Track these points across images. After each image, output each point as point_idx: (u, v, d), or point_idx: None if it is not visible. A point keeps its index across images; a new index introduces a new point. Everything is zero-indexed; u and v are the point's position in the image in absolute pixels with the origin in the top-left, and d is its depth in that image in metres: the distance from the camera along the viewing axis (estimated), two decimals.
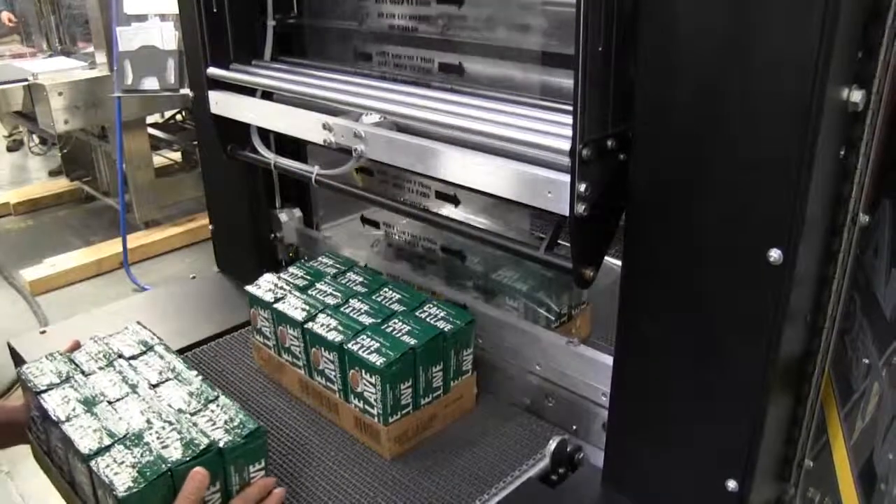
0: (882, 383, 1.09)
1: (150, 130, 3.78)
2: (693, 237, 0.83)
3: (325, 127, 1.15)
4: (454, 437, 1.17)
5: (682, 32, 0.77)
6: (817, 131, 0.71)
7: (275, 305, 1.25)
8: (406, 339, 1.11)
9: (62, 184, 4.45)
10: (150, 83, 3.06)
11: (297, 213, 1.63)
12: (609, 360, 1.01)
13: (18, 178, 4.97)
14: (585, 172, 0.83)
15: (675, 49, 0.78)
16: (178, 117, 4.08)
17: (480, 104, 1.02)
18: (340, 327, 1.16)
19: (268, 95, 1.32)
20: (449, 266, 1.46)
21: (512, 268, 1.36)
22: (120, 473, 0.90)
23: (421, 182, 1.40)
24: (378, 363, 1.07)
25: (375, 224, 1.52)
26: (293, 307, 1.23)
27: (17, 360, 1.44)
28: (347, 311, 1.21)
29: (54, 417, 1.01)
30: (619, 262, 0.92)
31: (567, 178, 0.84)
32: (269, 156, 1.36)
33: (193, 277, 1.73)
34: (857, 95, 0.75)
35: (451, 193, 1.36)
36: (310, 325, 1.18)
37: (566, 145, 0.83)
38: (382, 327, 1.15)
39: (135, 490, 0.88)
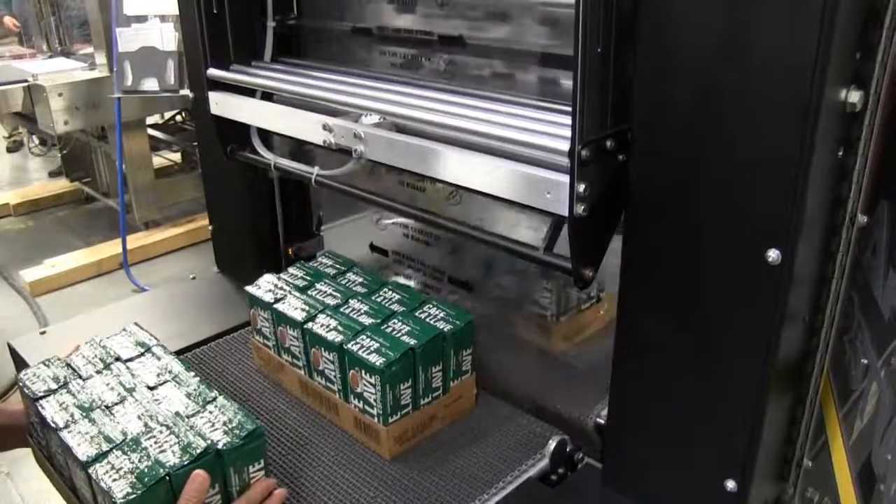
0: (880, 383, 1.09)
1: (150, 131, 3.78)
2: (692, 237, 0.84)
3: (325, 128, 1.15)
4: (453, 437, 1.17)
5: (680, 32, 0.77)
6: (816, 131, 0.71)
7: (275, 306, 1.25)
8: (406, 339, 1.12)
9: (62, 184, 4.46)
10: (150, 84, 3.06)
11: None
12: None
13: (18, 178, 4.97)
14: (584, 173, 0.83)
15: (674, 49, 0.78)
16: (178, 118, 4.09)
17: (480, 105, 1.02)
18: (340, 328, 1.16)
19: (268, 96, 1.32)
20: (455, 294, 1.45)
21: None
22: (118, 480, 0.90)
23: None
24: (378, 363, 1.07)
25: (384, 252, 1.53)
26: (293, 307, 1.23)
27: (18, 361, 1.44)
28: (347, 311, 1.21)
29: (52, 424, 1.01)
30: None
31: (566, 178, 0.84)
32: (269, 156, 1.36)
33: (193, 278, 1.74)
34: (855, 96, 0.75)
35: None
36: (309, 325, 1.18)
37: (565, 146, 0.83)
38: (382, 327, 1.15)
39: (133, 496, 0.88)
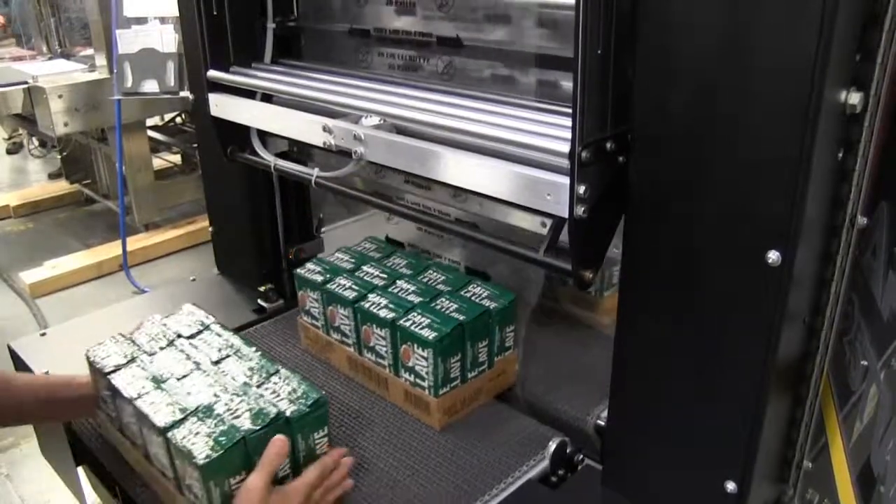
0: (880, 385, 1.09)
1: (150, 133, 3.77)
2: (692, 239, 0.84)
3: (325, 129, 1.15)
4: (454, 438, 1.18)
5: (680, 34, 0.77)
6: (815, 133, 0.71)
7: (326, 286, 1.30)
8: (455, 315, 1.17)
9: (62, 186, 4.45)
10: (150, 86, 3.06)
11: None
12: None
13: (18, 180, 4.97)
14: (585, 174, 0.83)
15: (674, 51, 0.78)
16: (178, 120, 4.08)
17: (480, 106, 1.02)
18: (391, 305, 1.21)
19: (268, 98, 1.32)
20: None
21: None
22: (197, 443, 0.95)
23: None
24: (430, 337, 1.12)
25: (401, 245, 1.55)
26: (344, 288, 1.29)
27: (17, 362, 1.44)
28: (396, 290, 1.27)
29: (127, 395, 1.06)
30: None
31: (566, 180, 0.84)
32: (269, 158, 1.36)
33: (193, 280, 1.74)
34: (855, 98, 0.75)
35: None
36: (361, 303, 1.24)
37: (565, 147, 0.84)
38: (431, 305, 1.21)
39: (214, 457, 0.93)
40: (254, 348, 1.17)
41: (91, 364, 1.16)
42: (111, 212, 3.99)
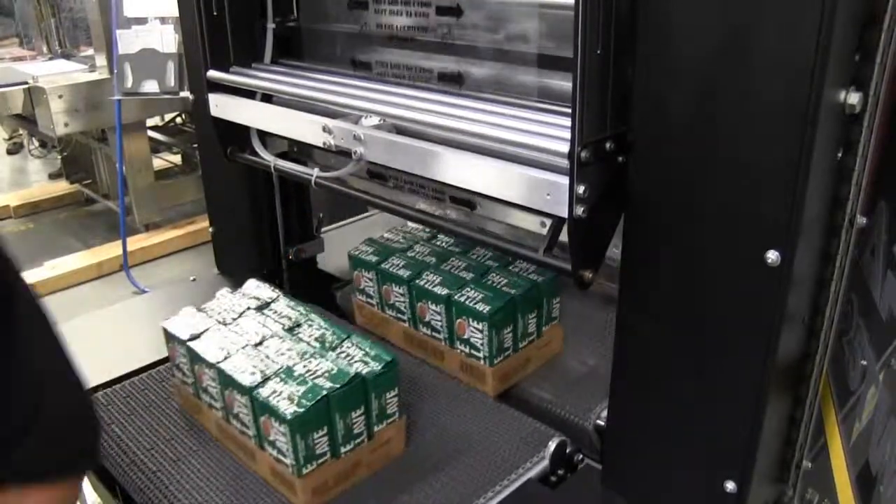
0: (879, 385, 1.09)
1: (150, 133, 3.77)
2: (691, 238, 0.84)
3: (325, 129, 1.16)
4: (454, 438, 1.18)
5: (679, 35, 0.77)
6: (815, 133, 0.71)
7: (381, 266, 1.36)
8: (506, 289, 1.25)
9: (62, 186, 4.45)
10: (150, 86, 3.06)
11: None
12: None
13: (18, 180, 4.97)
14: (584, 174, 0.83)
15: (674, 51, 0.78)
16: (178, 120, 4.08)
17: (480, 107, 1.02)
18: (445, 282, 1.28)
19: (268, 98, 1.32)
20: None
21: None
22: (283, 400, 1.01)
23: None
24: (485, 311, 1.20)
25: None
26: (398, 267, 1.35)
27: None
28: (448, 268, 1.34)
29: (210, 360, 1.12)
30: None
31: (566, 180, 0.85)
32: (269, 158, 1.36)
33: (194, 280, 1.74)
34: (854, 98, 0.75)
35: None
36: (416, 281, 1.30)
37: (565, 147, 0.84)
38: (483, 281, 1.28)
39: (300, 412, 0.99)
40: (323, 317, 1.23)
41: (168, 333, 1.23)
42: (111, 212, 3.99)
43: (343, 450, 1.06)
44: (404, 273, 1.33)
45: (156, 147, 3.93)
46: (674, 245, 0.86)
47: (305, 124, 1.21)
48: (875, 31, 0.74)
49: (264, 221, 1.62)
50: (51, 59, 4.09)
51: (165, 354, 1.41)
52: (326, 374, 1.05)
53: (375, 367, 1.08)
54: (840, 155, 0.80)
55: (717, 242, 0.81)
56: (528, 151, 0.92)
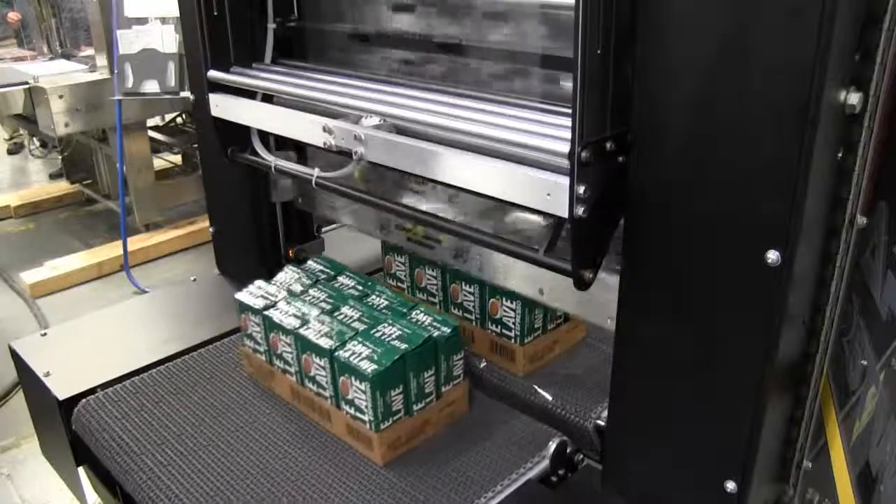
0: (879, 385, 1.09)
1: (151, 133, 3.77)
2: (692, 238, 0.84)
3: (326, 129, 1.16)
4: (454, 438, 1.18)
5: (680, 35, 0.77)
6: (815, 133, 0.71)
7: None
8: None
9: (63, 186, 4.45)
10: (151, 86, 3.06)
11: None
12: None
13: (19, 180, 4.97)
14: (584, 174, 0.83)
15: (674, 51, 0.78)
16: (179, 120, 4.08)
17: (480, 107, 1.02)
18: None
19: (268, 98, 1.32)
20: None
21: None
22: (362, 361, 1.09)
23: None
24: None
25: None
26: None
27: (18, 362, 1.44)
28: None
29: (287, 326, 1.21)
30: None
31: (566, 180, 0.85)
32: (270, 158, 1.36)
33: (194, 280, 1.74)
34: (854, 98, 0.75)
35: None
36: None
37: (565, 147, 0.84)
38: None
39: (380, 370, 1.08)
40: (388, 289, 1.32)
41: (242, 304, 1.31)
42: (112, 212, 3.99)
43: (415, 408, 1.15)
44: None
45: (156, 147, 3.93)
46: (674, 245, 0.86)
47: (306, 124, 1.21)
48: (875, 31, 0.74)
49: (265, 221, 1.62)
50: (51, 59, 4.09)
51: (164, 355, 1.42)
52: (401, 337, 1.14)
53: (445, 331, 1.17)
54: (840, 155, 0.80)
55: (717, 242, 0.81)
56: (529, 151, 0.92)
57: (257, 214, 1.61)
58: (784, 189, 0.74)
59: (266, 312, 1.26)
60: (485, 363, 1.35)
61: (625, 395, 0.99)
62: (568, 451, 1.12)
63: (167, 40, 3.02)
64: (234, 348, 1.44)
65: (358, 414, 1.13)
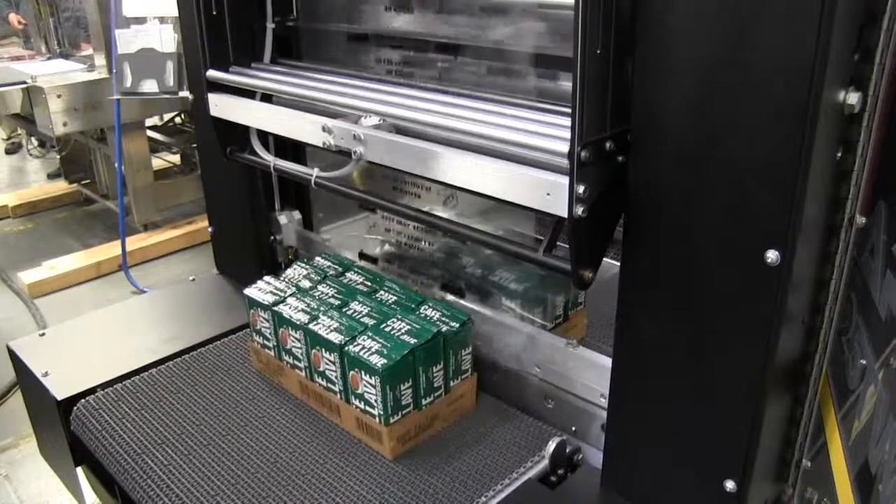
0: (878, 384, 1.09)
1: (149, 133, 3.77)
2: (691, 238, 0.84)
3: (325, 129, 1.15)
4: (454, 438, 1.18)
5: (679, 35, 0.77)
6: (814, 133, 0.71)
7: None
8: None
9: (61, 186, 4.44)
10: (149, 86, 3.06)
11: (297, 215, 1.64)
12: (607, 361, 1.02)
13: (17, 180, 4.96)
14: (584, 174, 0.83)
15: (673, 51, 0.78)
16: (178, 120, 4.08)
17: (479, 106, 1.02)
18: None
19: (267, 98, 1.32)
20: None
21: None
22: (372, 355, 1.11)
23: None
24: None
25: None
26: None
27: (17, 362, 1.44)
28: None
29: (297, 322, 1.21)
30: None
31: (566, 179, 0.85)
32: (269, 158, 1.36)
33: (193, 280, 1.74)
34: (853, 97, 0.75)
35: None
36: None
37: (565, 147, 0.84)
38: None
39: (389, 364, 1.09)
40: (397, 283, 1.31)
41: (251, 300, 1.31)
42: (110, 212, 3.99)
43: (424, 402, 1.16)
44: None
45: (155, 147, 3.92)
46: (673, 245, 0.86)
47: (305, 124, 1.20)
48: (874, 31, 0.74)
49: (263, 221, 1.62)
50: (49, 58, 4.09)
51: (163, 354, 1.42)
52: (410, 332, 1.14)
53: (454, 325, 1.17)
54: (839, 155, 0.80)
55: (716, 242, 0.81)
56: (528, 151, 0.92)
57: (256, 214, 1.61)
58: (783, 189, 0.74)
59: (276, 308, 1.26)
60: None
61: (624, 395, 1.00)
62: (567, 450, 1.12)
63: (166, 40, 3.02)
64: (234, 347, 1.44)
65: (368, 408, 1.14)
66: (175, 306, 1.63)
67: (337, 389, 1.19)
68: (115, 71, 3.06)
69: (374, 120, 1.12)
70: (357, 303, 1.26)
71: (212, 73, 1.33)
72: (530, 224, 1.35)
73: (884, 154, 0.82)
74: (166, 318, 1.58)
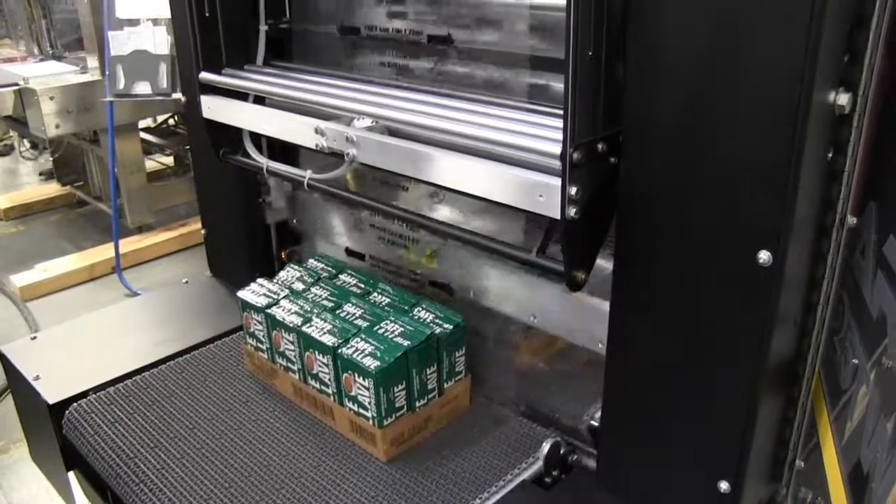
0: (870, 384, 1.10)
1: (143, 135, 3.76)
2: (683, 239, 0.84)
3: (318, 131, 1.15)
4: (448, 440, 1.18)
5: (670, 36, 0.78)
6: (805, 134, 0.72)
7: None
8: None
9: (54, 188, 4.42)
10: (142, 88, 3.05)
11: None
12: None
13: (9, 182, 4.94)
14: (576, 176, 0.83)
15: (664, 53, 0.78)
16: (171, 122, 4.07)
17: (472, 108, 1.02)
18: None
19: (260, 100, 1.32)
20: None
21: None
22: (365, 357, 1.10)
23: None
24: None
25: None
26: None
27: (8, 366, 1.43)
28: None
29: (290, 324, 1.21)
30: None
31: (558, 181, 0.85)
32: (262, 160, 1.36)
33: (186, 282, 1.73)
34: (843, 98, 0.76)
35: None
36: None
37: (557, 149, 0.84)
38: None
39: (382, 366, 1.09)
40: (391, 285, 1.32)
41: (244, 302, 1.30)
42: (103, 214, 3.97)
43: (418, 404, 1.16)
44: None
45: (148, 149, 3.91)
46: (665, 245, 0.86)
47: (298, 126, 1.20)
48: (863, 32, 0.74)
49: (257, 223, 1.61)
50: (42, 60, 4.07)
51: (156, 357, 1.41)
52: (403, 334, 1.14)
53: (447, 327, 1.17)
54: (830, 156, 0.80)
55: (708, 243, 0.82)
56: (520, 153, 0.92)
57: (249, 216, 1.60)
58: (775, 189, 0.74)
59: (269, 310, 1.26)
60: None
61: (618, 396, 1.00)
62: (562, 451, 1.12)
63: (159, 42, 3.01)
64: (228, 350, 1.44)
65: (361, 410, 1.14)
66: (168, 309, 1.63)
67: (330, 392, 1.19)
68: (107, 73, 3.05)
69: (367, 122, 1.12)
70: (350, 305, 1.26)
71: (204, 75, 1.33)
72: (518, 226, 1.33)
73: (874, 155, 0.82)
74: (159, 320, 1.57)
